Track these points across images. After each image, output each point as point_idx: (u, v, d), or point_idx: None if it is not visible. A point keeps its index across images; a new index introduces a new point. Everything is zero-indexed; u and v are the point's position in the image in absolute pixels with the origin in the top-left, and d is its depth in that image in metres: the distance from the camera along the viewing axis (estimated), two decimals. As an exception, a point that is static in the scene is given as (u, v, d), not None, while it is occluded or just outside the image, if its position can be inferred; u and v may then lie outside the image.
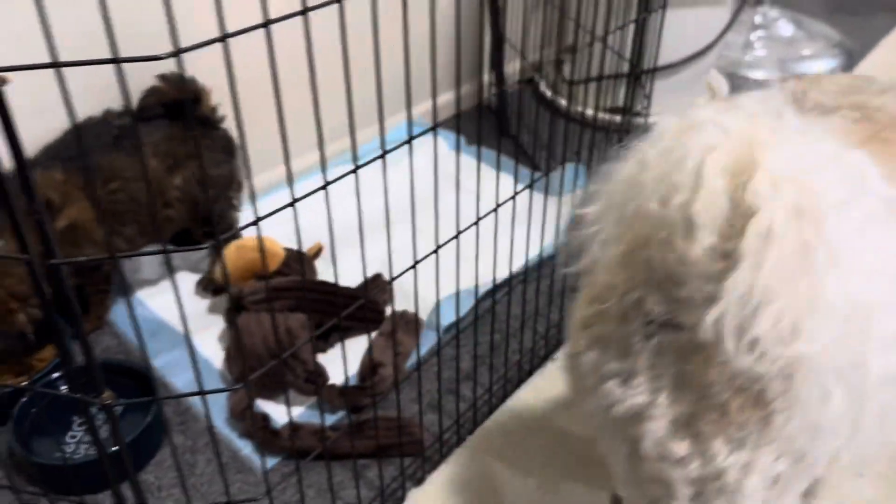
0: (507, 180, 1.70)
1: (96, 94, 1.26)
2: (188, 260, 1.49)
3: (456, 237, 0.97)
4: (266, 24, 0.64)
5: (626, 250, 0.62)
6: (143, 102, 1.33)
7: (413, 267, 0.93)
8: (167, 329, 1.35)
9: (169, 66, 1.28)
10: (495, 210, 1.03)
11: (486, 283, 1.41)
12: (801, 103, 1.17)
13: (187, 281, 1.45)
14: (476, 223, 1.00)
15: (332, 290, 1.31)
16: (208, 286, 1.42)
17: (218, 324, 1.36)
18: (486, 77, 2.05)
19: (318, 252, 1.50)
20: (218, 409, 1.21)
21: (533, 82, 2.17)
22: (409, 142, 0.85)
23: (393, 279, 0.91)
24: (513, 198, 1.07)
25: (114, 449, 1.09)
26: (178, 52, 0.58)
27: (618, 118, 1.91)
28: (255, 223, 0.70)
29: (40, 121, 1.12)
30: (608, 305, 0.65)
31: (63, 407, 1.19)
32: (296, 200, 0.73)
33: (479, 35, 1.97)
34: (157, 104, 1.33)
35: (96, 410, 1.20)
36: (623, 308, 0.64)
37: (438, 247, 0.95)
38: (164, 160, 1.32)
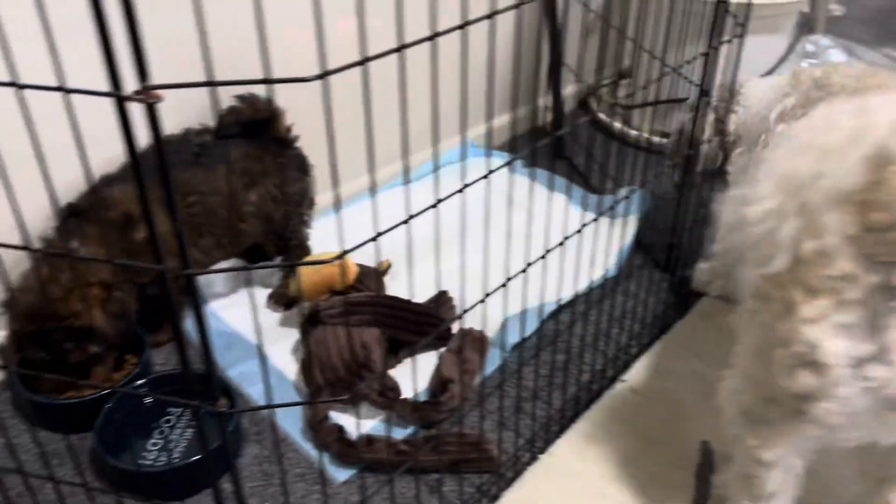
0: (564, 201, 1.72)
1: (176, 113, 1.32)
2: (258, 274, 1.53)
3: (543, 257, 1.00)
4: (400, 48, 0.67)
5: (856, 237, 0.67)
6: (222, 121, 1.37)
7: (503, 285, 0.95)
8: (241, 341, 1.38)
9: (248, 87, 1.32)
10: (579, 231, 1.05)
11: (550, 304, 1.43)
12: (827, 87, 1.20)
13: (259, 295, 1.48)
14: (562, 243, 1.02)
15: (406, 306, 1.33)
16: (280, 300, 1.45)
17: (290, 336, 1.39)
18: (543, 100, 2.09)
19: (388, 268, 1.52)
20: (293, 420, 1.24)
21: (587, 106, 2.20)
22: (499, 168, 0.87)
23: (487, 295, 0.93)
24: (596, 219, 1.09)
25: (196, 458, 1.13)
26: (324, 75, 0.61)
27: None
28: (373, 239, 0.73)
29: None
30: (844, 293, 0.69)
31: (145, 415, 1.22)
32: (411, 217, 0.76)
33: (536, 58, 2.00)
34: (235, 123, 1.38)
35: (176, 419, 1.24)
36: (864, 291, 0.68)
37: (529, 265, 0.97)
38: (241, 177, 1.36)
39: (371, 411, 1.25)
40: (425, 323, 1.34)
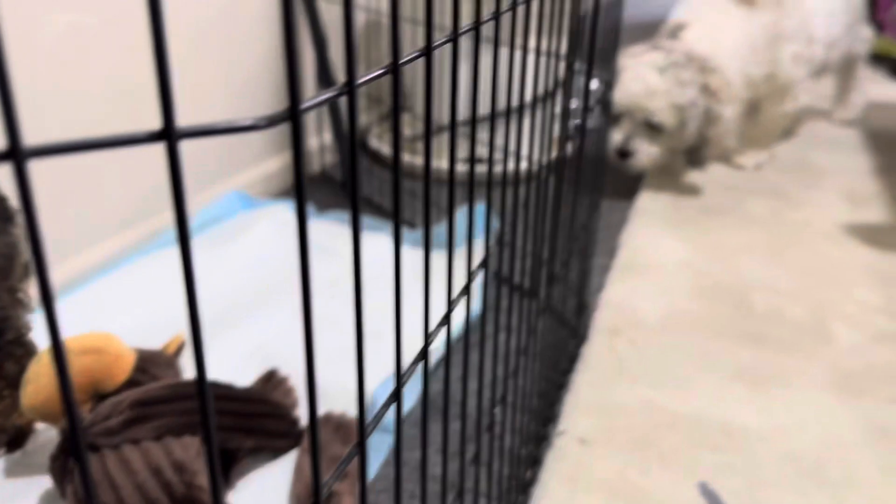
0: (379, 240, 1.47)
1: None
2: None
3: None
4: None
5: None
6: None
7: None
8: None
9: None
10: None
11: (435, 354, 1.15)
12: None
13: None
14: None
15: (229, 393, 0.96)
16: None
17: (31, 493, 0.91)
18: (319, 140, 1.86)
19: (180, 348, 1.11)
20: None
21: (365, 144, 2.05)
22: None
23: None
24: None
25: None
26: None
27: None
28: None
29: None
30: None
31: None
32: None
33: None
34: None
35: None
36: None
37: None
38: None
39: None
40: (264, 415, 0.98)
